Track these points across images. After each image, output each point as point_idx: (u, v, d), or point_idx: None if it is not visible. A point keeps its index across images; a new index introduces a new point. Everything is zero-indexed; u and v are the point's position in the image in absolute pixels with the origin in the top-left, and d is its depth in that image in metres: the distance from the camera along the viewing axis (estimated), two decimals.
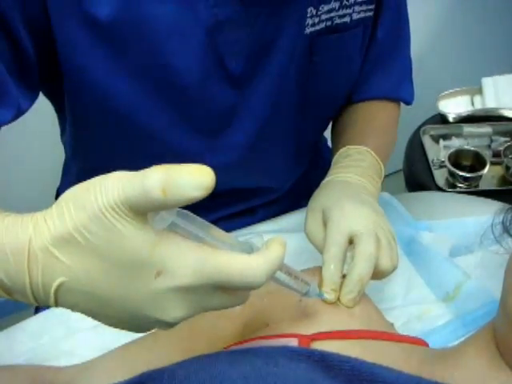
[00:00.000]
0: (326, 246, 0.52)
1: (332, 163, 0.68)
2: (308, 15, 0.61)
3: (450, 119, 1.25)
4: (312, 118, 0.72)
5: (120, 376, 0.47)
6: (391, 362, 0.40)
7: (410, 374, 0.39)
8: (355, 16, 0.65)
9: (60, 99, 0.63)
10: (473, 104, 1.29)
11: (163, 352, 0.50)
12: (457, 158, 1.14)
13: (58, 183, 0.84)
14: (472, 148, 1.15)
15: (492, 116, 1.23)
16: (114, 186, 0.33)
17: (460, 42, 1.64)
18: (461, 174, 1.09)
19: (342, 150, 0.68)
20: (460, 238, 0.66)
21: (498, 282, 0.44)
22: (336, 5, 0.62)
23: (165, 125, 0.61)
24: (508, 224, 0.59)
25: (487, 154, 1.14)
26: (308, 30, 0.62)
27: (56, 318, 0.62)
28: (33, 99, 0.57)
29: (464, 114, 1.24)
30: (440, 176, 1.14)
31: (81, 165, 0.73)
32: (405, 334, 0.54)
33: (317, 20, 0.62)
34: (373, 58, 0.73)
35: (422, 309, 0.60)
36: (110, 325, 0.37)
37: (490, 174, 1.12)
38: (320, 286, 0.49)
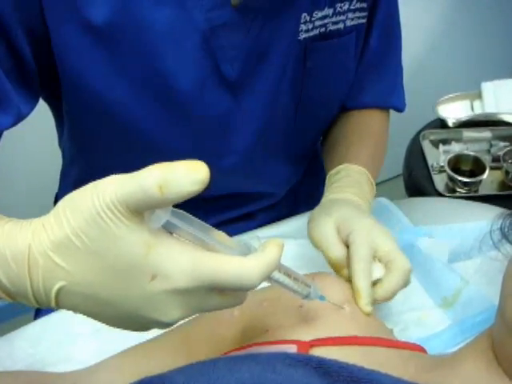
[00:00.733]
0: (355, 259, 0.52)
1: (326, 181, 0.69)
2: (302, 21, 0.61)
3: (450, 124, 1.25)
4: (307, 122, 0.72)
5: (119, 382, 0.47)
6: (390, 368, 0.40)
7: (408, 380, 0.39)
8: (348, 23, 0.66)
9: (58, 104, 0.63)
10: (472, 109, 1.28)
11: (162, 358, 0.50)
12: (456, 163, 1.14)
13: (56, 189, 0.84)
14: (472, 153, 1.15)
15: (492, 121, 1.23)
16: (110, 187, 0.33)
17: (459, 46, 1.64)
18: (460, 179, 1.09)
19: (339, 168, 0.69)
20: (459, 244, 0.66)
21: (497, 288, 0.44)
22: (329, 11, 0.63)
23: (162, 129, 0.62)
24: (506, 230, 0.59)
25: (487, 159, 1.14)
26: (302, 36, 0.62)
27: (55, 323, 0.62)
28: (33, 104, 0.58)
29: (464, 119, 1.24)
30: (440, 181, 1.14)
31: (78, 170, 0.73)
32: (403, 339, 0.54)
33: (310, 26, 0.62)
34: (366, 65, 0.74)
35: (420, 315, 0.60)
36: (111, 325, 0.38)
37: (489, 179, 1.12)
38: (357, 298, 0.50)
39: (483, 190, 1.11)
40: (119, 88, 0.58)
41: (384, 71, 0.77)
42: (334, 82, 0.70)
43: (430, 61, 1.56)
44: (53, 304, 0.36)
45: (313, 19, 0.62)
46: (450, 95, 1.29)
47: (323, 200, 0.65)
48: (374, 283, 0.52)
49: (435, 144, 1.22)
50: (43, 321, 0.63)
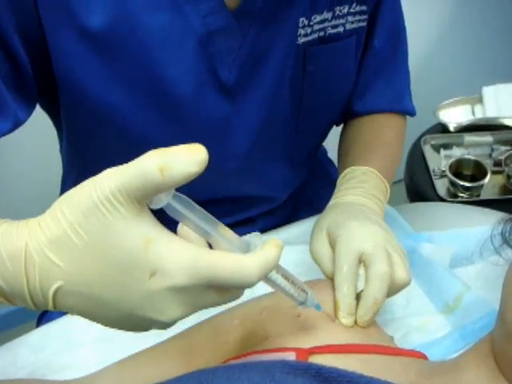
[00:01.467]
0: (336, 268, 0.51)
1: (336, 185, 0.67)
2: (300, 25, 0.61)
3: (451, 128, 1.25)
4: (308, 127, 0.72)
5: None
6: (389, 376, 0.40)
7: None
8: (348, 26, 0.65)
9: (56, 111, 0.63)
10: (473, 113, 1.28)
11: (163, 366, 0.50)
12: (458, 168, 1.14)
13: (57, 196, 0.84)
14: (473, 157, 1.15)
15: (493, 125, 1.23)
16: (108, 178, 0.33)
17: (460, 51, 1.64)
18: (462, 183, 1.09)
19: (346, 172, 0.68)
20: (460, 249, 0.66)
21: (498, 293, 0.44)
22: (329, 15, 0.62)
23: (159, 135, 0.62)
24: (507, 235, 0.59)
25: (488, 164, 1.14)
26: (300, 41, 0.62)
27: (57, 331, 0.62)
28: (30, 110, 0.58)
29: (465, 124, 1.24)
30: (441, 186, 1.13)
31: (77, 176, 0.73)
32: (404, 345, 0.54)
33: (309, 30, 0.62)
34: (373, 69, 0.74)
35: (421, 320, 0.60)
36: (109, 326, 0.37)
37: (491, 184, 1.12)
38: (336, 309, 0.49)
39: (485, 195, 1.11)
40: (116, 93, 0.58)
41: (394, 74, 0.77)
42: (334, 86, 0.70)
43: (430, 65, 1.56)
44: (50, 305, 0.35)
45: (311, 23, 0.62)
46: (451, 100, 1.29)
47: (326, 207, 0.64)
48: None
49: (436, 149, 1.22)
50: (45, 329, 0.63)
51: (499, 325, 0.43)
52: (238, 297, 0.38)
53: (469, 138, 1.20)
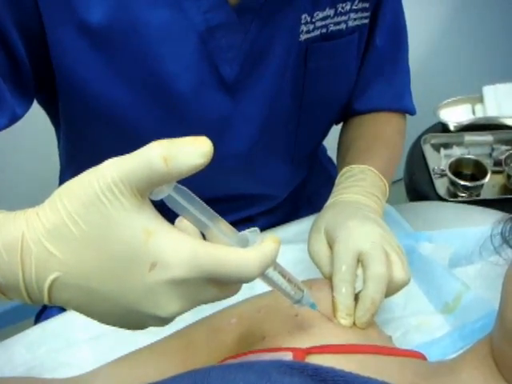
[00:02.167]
0: (334, 268, 0.50)
1: (335, 183, 0.67)
2: (302, 22, 0.61)
3: (451, 128, 1.24)
4: (308, 124, 0.72)
5: None
6: (387, 376, 0.40)
7: None
8: (351, 23, 0.65)
9: (54, 108, 0.63)
10: (474, 112, 1.28)
11: (159, 365, 0.49)
12: (458, 167, 1.13)
13: None
14: (473, 157, 1.15)
15: (493, 124, 1.23)
16: (111, 168, 0.32)
17: (461, 50, 1.64)
18: (462, 183, 1.09)
19: (344, 170, 0.67)
20: (460, 249, 0.66)
21: (498, 293, 0.44)
22: (331, 12, 0.62)
23: (159, 131, 0.61)
24: (507, 234, 0.59)
25: (488, 163, 1.14)
26: (302, 37, 0.62)
27: (53, 329, 0.62)
28: (28, 106, 0.58)
29: (465, 123, 1.24)
30: (441, 185, 1.13)
31: (74, 174, 0.73)
32: (403, 345, 0.54)
33: (311, 27, 0.62)
34: (374, 67, 0.74)
35: (420, 320, 0.60)
36: (104, 322, 0.36)
37: (491, 183, 1.11)
38: (334, 310, 0.48)
39: (485, 194, 1.11)
40: (116, 90, 0.57)
41: (394, 73, 0.76)
42: (335, 83, 0.70)
43: (431, 65, 1.55)
44: (45, 298, 0.34)
45: (313, 20, 0.62)
46: (452, 99, 1.29)
47: (324, 206, 0.64)
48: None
49: (436, 148, 1.22)
50: (42, 326, 0.63)
51: (498, 325, 0.42)
52: (236, 292, 0.37)
53: (469, 137, 1.20)
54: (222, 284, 0.36)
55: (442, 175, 1.14)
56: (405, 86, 0.79)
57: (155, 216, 0.34)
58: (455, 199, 1.09)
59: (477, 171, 1.12)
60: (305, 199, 0.88)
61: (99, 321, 0.36)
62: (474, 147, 1.19)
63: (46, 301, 0.34)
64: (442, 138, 1.23)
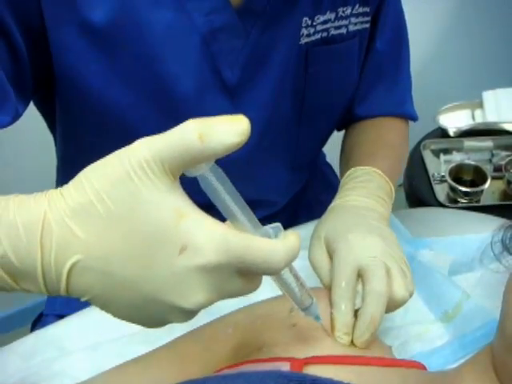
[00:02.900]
0: (333, 284, 0.49)
1: (340, 185, 0.66)
2: (303, 25, 0.61)
3: (451, 133, 1.24)
4: (309, 129, 0.72)
5: None
6: None
7: None
8: (351, 28, 0.65)
9: (51, 109, 0.62)
10: (473, 118, 1.28)
11: (155, 375, 0.49)
12: (458, 173, 1.13)
13: None
14: (473, 162, 1.15)
15: (493, 130, 1.23)
16: (142, 145, 0.31)
17: (460, 55, 1.64)
18: (461, 188, 1.08)
19: (349, 172, 0.66)
20: (460, 256, 0.65)
21: (498, 301, 0.44)
22: (332, 16, 0.62)
23: (159, 132, 0.61)
24: (507, 242, 0.58)
25: (488, 169, 1.14)
26: (303, 41, 0.62)
27: (49, 338, 0.61)
28: (26, 104, 0.58)
29: (465, 128, 1.24)
30: (441, 191, 1.13)
31: (70, 176, 0.72)
32: (403, 354, 0.53)
33: (312, 31, 0.62)
34: (375, 72, 0.73)
35: (420, 329, 0.59)
36: (121, 316, 0.34)
37: (491, 189, 1.11)
38: (332, 329, 0.47)
39: (485, 200, 1.11)
40: (117, 90, 0.57)
41: (396, 78, 0.76)
42: (336, 88, 0.70)
43: (430, 70, 1.55)
44: (63, 284, 0.32)
45: (314, 23, 0.62)
46: (451, 104, 1.29)
47: (327, 209, 0.63)
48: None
49: (436, 153, 1.22)
50: (37, 335, 0.62)
51: (499, 335, 0.42)
52: (258, 286, 0.36)
53: (469, 142, 1.20)
54: (248, 275, 0.34)
55: (442, 181, 1.14)
56: (406, 91, 0.78)
57: (186, 198, 0.33)
58: (455, 205, 1.09)
59: (477, 177, 1.12)
60: (304, 206, 0.87)
61: (115, 314, 0.34)
62: (474, 153, 1.19)
63: (63, 289, 0.32)
64: (441, 143, 1.23)
